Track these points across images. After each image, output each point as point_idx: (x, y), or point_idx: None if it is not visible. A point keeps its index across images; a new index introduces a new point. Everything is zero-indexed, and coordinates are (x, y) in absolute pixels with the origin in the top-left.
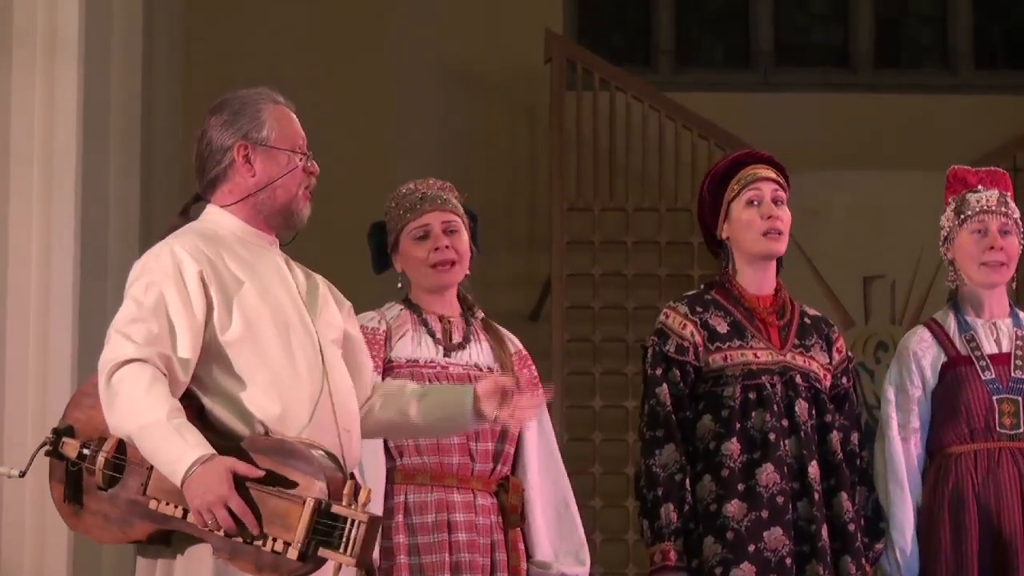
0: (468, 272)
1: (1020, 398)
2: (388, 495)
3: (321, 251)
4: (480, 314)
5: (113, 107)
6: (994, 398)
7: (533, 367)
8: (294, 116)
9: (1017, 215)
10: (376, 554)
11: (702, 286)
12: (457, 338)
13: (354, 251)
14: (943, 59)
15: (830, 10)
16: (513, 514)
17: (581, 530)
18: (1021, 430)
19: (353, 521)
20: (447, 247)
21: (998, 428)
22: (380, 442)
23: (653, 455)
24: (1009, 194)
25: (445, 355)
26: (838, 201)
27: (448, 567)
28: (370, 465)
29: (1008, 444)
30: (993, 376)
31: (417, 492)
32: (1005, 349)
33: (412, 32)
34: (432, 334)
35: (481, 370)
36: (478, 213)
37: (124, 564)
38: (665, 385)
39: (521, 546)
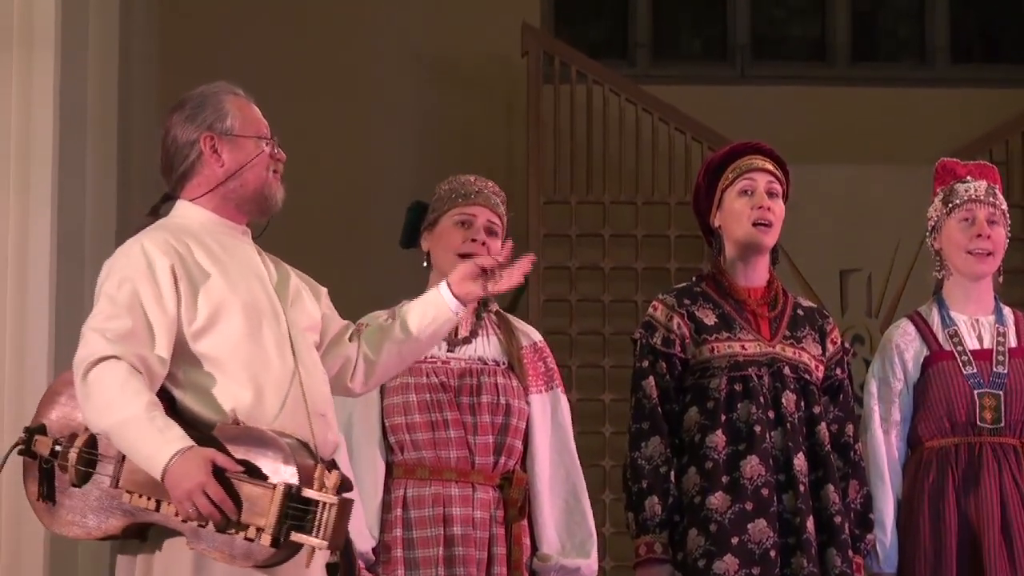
0: None
1: (1001, 393)
2: (387, 489)
3: (296, 239)
4: (494, 307)
5: (90, 98)
6: (975, 392)
7: (550, 358)
8: (255, 106)
9: (1005, 206)
10: (372, 546)
11: (694, 278)
12: (463, 332)
13: (330, 239)
14: (920, 53)
15: (807, 4)
16: (512, 508)
17: (591, 522)
18: (1002, 424)
19: (324, 504)
20: (483, 244)
21: (979, 422)
22: (379, 437)
23: (639, 447)
24: (997, 186)
25: (448, 350)
26: (815, 194)
27: (442, 561)
28: (369, 459)
29: (989, 439)
30: (975, 371)
31: (416, 486)
32: (987, 345)
33: (390, 24)
34: None
35: (487, 364)
36: None
37: (100, 562)
38: (652, 377)
39: (526, 540)
